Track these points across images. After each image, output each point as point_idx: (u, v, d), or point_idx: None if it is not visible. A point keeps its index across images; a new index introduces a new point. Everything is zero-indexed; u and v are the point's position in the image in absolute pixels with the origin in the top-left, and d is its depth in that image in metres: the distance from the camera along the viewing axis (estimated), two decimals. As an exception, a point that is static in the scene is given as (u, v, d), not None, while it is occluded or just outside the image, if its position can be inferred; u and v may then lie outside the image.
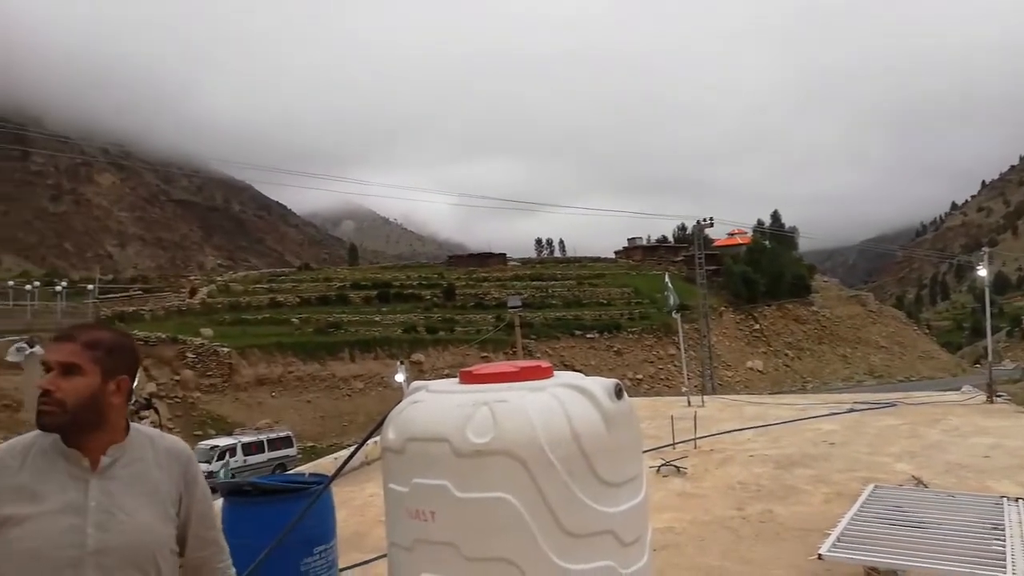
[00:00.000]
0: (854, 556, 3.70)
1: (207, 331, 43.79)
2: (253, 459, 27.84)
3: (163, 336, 40.12)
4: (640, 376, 53.10)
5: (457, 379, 2.82)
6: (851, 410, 10.22)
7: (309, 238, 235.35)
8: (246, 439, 28.54)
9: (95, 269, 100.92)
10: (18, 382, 30.75)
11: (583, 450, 2.40)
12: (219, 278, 70.36)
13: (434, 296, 62.91)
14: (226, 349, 40.32)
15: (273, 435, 30.01)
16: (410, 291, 64.02)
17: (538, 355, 44.38)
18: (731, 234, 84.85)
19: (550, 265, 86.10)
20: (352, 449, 3.65)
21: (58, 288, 40.97)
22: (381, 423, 2.88)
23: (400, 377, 10.64)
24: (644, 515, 2.67)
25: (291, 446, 30.49)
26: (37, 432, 1.80)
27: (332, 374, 44.18)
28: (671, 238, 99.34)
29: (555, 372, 2.80)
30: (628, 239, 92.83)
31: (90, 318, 40.21)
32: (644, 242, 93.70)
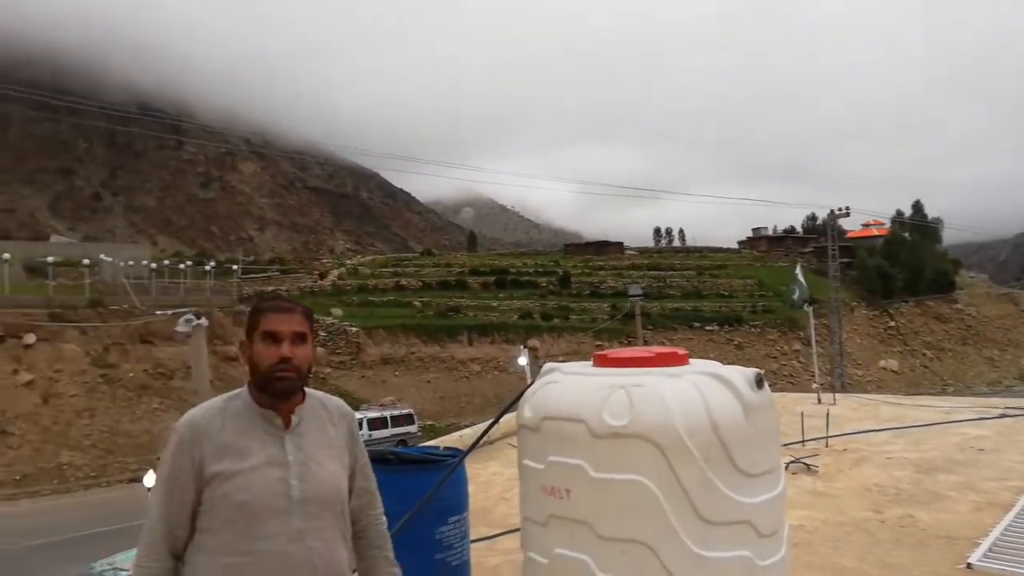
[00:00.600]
0: (1008, 568, 3.45)
1: (337, 311, 46.09)
2: (377, 434, 29.15)
3: (297, 315, 42.67)
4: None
5: (591, 362, 2.88)
6: (1003, 415, 9.43)
7: (431, 224, 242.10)
8: (371, 415, 29.93)
9: (238, 251, 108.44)
10: (172, 352, 33.56)
11: (721, 438, 2.40)
12: (348, 261, 73.81)
13: (550, 283, 63.19)
14: (354, 329, 42.31)
15: (396, 412, 31.29)
16: (526, 278, 64.60)
17: (654, 346, 43.74)
18: (866, 225, 79.90)
19: (668, 255, 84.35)
20: (487, 425, 3.78)
21: (207, 268, 44.42)
22: (516, 401, 2.98)
23: (523, 361, 10.82)
24: (781, 508, 2.62)
25: (413, 423, 31.68)
26: (224, 396, 2.01)
27: (451, 356, 45.41)
28: (799, 228, 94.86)
29: (691, 360, 2.80)
30: (753, 229, 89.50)
31: (234, 296, 43.29)
32: (770, 232, 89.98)
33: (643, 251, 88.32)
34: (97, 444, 27.12)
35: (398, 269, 67.29)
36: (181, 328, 6.30)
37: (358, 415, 28.88)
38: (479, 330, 48.14)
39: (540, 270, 67.84)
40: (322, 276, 61.14)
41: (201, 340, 6.42)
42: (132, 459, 26.85)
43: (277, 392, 1.93)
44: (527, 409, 2.74)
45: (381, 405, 32.25)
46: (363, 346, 42.26)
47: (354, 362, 40.86)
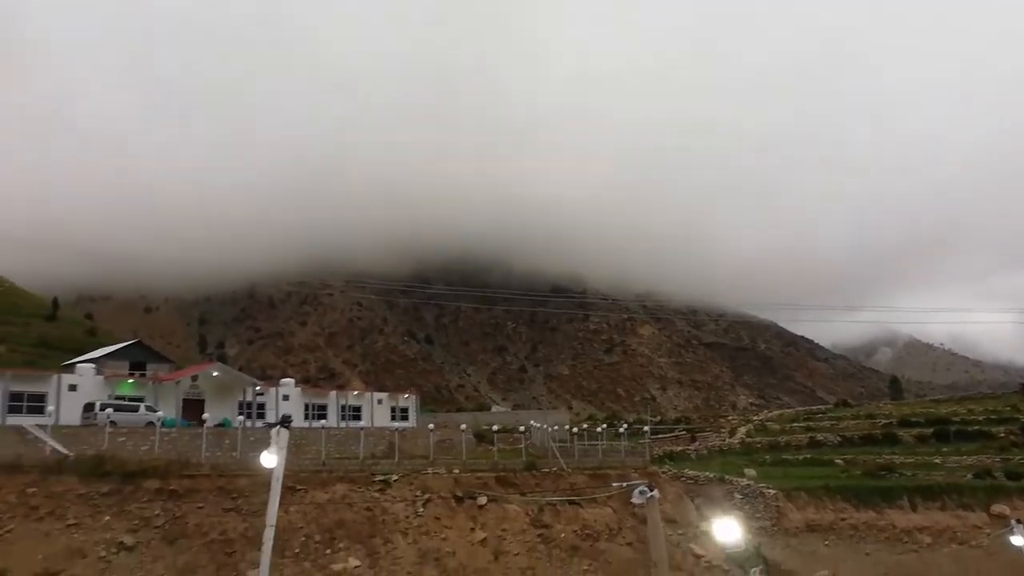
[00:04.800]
0: None
1: (750, 471, 43.91)
2: (814, 614, 25.98)
3: (710, 475, 41.65)
4: None
5: None
6: None
7: (840, 372, 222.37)
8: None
9: (643, 411, 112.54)
10: (597, 514, 35.15)
11: None
12: (755, 417, 71.05)
13: (1010, 433, 52.15)
14: (772, 491, 39.63)
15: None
16: (976, 427, 54.46)
17: None
18: None
19: None
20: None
21: (621, 429, 46.79)
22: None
23: (1019, 540, 8.77)
24: None
25: (855, 605, 27.65)
26: None
27: (891, 524, 39.27)
28: None
29: None
30: None
31: (646, 457, 44.32)
32: None
33: None
34: (539, 603, 28.96)
35: (811, 423, 62.60)
36: (636, 500, 6.58)
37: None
38: (923, 493, 41.18)
39: (993, 417, 56.74)
40: (731, 433, 59.58)
41: (655, 512, 6.59)
42: (568, 620, 27.98)
43: None
44: None
45: (815, 580, 28.86)
46: (783, 510, 39.05)
47: (775, 528, 37.80)
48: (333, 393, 55.03)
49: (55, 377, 40.54)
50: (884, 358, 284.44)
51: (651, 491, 6.49)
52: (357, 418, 51.49)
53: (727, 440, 57.34)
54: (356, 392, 58.47)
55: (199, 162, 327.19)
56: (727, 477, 41.77)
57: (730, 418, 74.31)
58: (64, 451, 30.29)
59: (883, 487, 42.05)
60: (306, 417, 48.55)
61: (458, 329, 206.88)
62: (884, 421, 59.98)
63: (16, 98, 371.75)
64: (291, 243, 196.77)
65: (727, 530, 7.23)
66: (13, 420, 34.69)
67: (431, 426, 43.81)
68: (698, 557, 34.35)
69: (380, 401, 55.54)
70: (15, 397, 37.33)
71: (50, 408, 36.31)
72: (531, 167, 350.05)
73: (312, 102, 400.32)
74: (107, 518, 26.78)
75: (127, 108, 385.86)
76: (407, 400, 58.38)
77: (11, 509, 25.74)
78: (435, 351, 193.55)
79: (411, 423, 54.33)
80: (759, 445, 55.22)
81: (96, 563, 25.06)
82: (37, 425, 32.75)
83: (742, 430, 60.97)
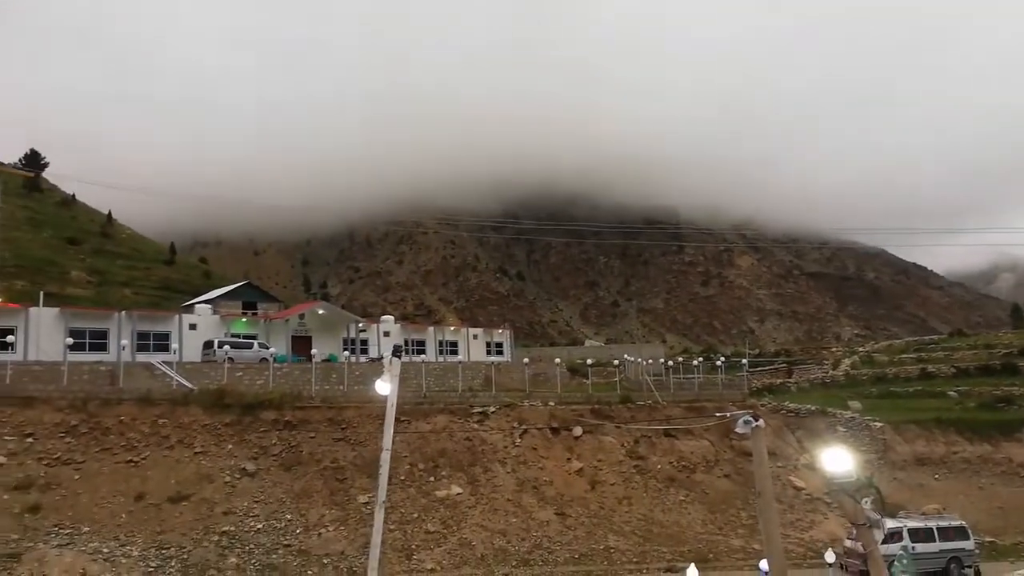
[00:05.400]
0: None
1: (855, 404, 42.55)
2: (922, 547, 25.37)
3: (812, 408, 40.67)
4: None
5: None
6: None
7: (956, 300, 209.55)
8: (912, 524, 26.27)
9: (740, 344, 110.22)
10: (693, 446, 35.16)
11: None
12: (860, 349, 68.42)
13: None
14: (879, 424, 38.35)
15: (944, 523, 26.87)
16: (1111, 357, 50.37)
17: None
18: None
19: None
20: None
21: (718, 363, 46.15)
22: None
23: None
24: None
25: (966, 538, 26.81)
26: None
27: (1008, 457, 37.44)
28: None
29: None
30: None
31: (744, 390, 43.68)
32: None
33: None
34: (636, 531, 29.52)
35: (922, 354, 59.78)
36: (740, 430, 6.49)
37: (895, 523, 25.73)
38: (1045, 426, 38.91)
39: None
40: (834, 366, 57.68)
41: (761, 442, 6.47)
42: (666, 548, 28.44)
43: None
44: None
45: (923, 514, 28.03)
46: (890, 443, 37.82)
47: (881, 461, 36.72)
48: (431, 329, 56.61)
49: (176, 317, 43.49)
50: (1005, 285, 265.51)
51: (756, 420, 6.38)
52: (454, 353, 52.93)
53: (830, 372, 55.55)
54: (452, 328, 59.95)
55: (298, 113, 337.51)
56: (829, 410, 40.69)
57: (833, 350, 71.71)
58: (188, 385, 32.78)
59: (1000, 419, 39.95)
60: (406, 352, 50.28)
61: (549, 265, 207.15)
62: (1004, 351, 56.44)
63: (128, 50, 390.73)
64: (385, 185, 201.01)
65: (837, 459, 7.00)
66: (141, 357, 37.56)
67: (526, 360, 44.53)
68: (798, 489, 33.95)
69: (475, 336, 56.75)
70: (142, 336, 40.33)
71: (174, 346, 39.11)
72: (617, 101, 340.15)
73: (400, 47, 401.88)
74: (230, 446, 28.98)
75: (233, 64, 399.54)
76: (501, 335, 59.41)
77: (145, 438, 28.22)
78: (527, 287, 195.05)
79: (506, 357, 55.39)
80: (865, 377, 53.27)
81: (223, 487, 27.27)
82: (164, 361, 35.47)
83: (846, 362, 58.89)
